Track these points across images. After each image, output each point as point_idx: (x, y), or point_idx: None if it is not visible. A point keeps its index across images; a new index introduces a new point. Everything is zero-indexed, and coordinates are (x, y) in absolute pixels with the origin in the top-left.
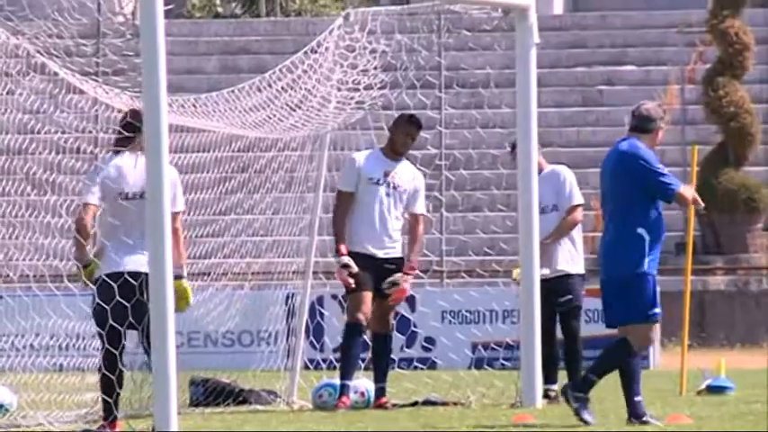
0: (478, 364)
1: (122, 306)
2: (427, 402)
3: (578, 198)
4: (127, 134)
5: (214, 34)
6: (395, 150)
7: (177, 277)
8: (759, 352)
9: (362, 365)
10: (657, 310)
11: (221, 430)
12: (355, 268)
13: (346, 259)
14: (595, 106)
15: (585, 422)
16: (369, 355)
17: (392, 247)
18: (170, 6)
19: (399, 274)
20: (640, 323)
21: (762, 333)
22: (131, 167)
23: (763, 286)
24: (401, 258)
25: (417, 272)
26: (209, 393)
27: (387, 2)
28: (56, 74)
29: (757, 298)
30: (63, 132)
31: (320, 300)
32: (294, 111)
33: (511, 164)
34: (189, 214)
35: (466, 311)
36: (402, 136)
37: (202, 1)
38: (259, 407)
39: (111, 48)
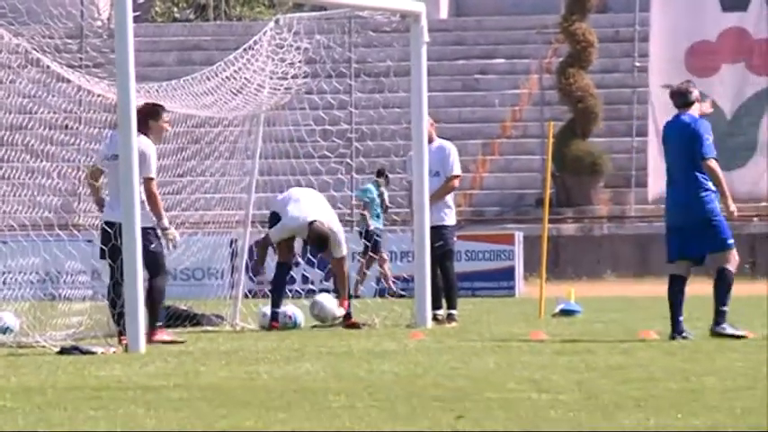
0: (381, 293)
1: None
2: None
3: (457, 169)
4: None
5: (172, 35)
6: None
7: (164, 229)
8: (601, 283)
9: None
10: (732, 239)
11: (180, 347)
12: None
13: None
14: (473, 91)
15: (738, 336)
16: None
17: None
18: (137, 13)
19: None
20: (728, 249)
21: (603, 268)
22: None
23: (604, 231)
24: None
25: None
26: (169, 317)
27: (308, 8)
28: (48, 67)
29: (599, 241)
30: (54, 113)
31: (257, 244)
32: (236, 95)
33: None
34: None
35: (372, 253)
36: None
37: (163, 8)
38: (209, 328)
39: (91, 46)
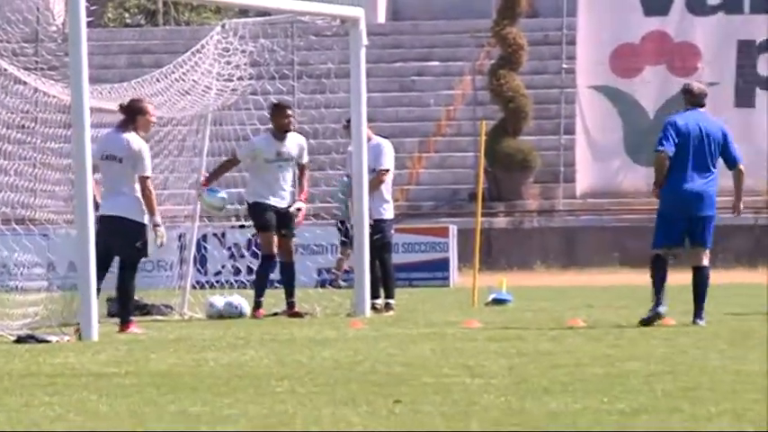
0: (322, 284)
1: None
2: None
3: (387, 164)
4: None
5: (124, 39)
6: (279, 130)
7: (156, 225)
8: (531, 274)
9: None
10: None
11: (130, 336)
12: None
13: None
14: (409, 92)
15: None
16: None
17: (285, 198)
18: (91, 19)
19: (299, 201)
20: (709, 248)
21: (533, 260)
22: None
23: (534, 224)
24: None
25: (306, 198)
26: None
27: (253, 13)
28: (5, 69)
29: (529, 233)
30: (11, 113)
31: (204, 237)
32: (184, 96)
33: (345, 135)
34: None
35: (313, 245)
36: (280, 118)
37: (115, 14)
38: (159, 317)
39: (47, 50)
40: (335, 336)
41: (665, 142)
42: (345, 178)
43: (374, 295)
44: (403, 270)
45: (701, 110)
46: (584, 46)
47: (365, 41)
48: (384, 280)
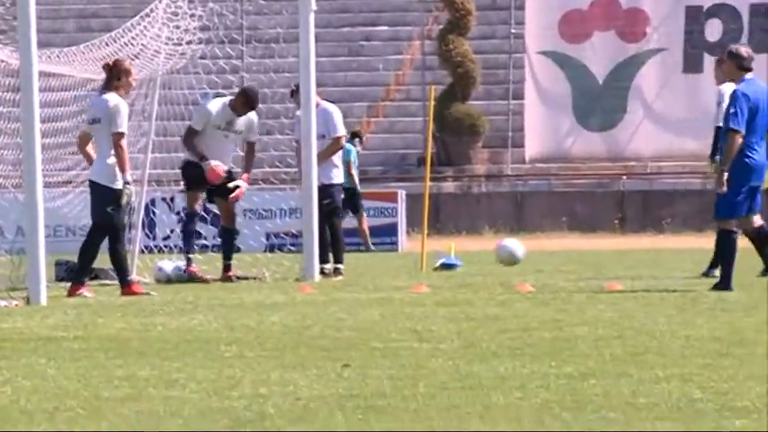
0: (271, 248)
1: None
2: (237, 277)
3: (342, 130)
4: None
5: (72, 3)
6: (236, 111)
7: (125, 183)
8: (479, 238)
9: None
10: None
11: (78, 300)
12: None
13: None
14: (358, 56)
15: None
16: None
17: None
18: None
19: (241, 180)
20: None
21: (481, 224)
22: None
23: (482, 189)
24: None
25: (248, 179)
26: (69, 271)
27: None
28: None
29: (477, 198)
30: None
31: (153, 201)
32: (134, 60)
33: (293, 101)
34: (55, 137)
35: (262, 209)
36: (242, 108)
37: None
38: (107, 282)
39: None
40: (284, 300)
41: (740, 120)
42: (348, 145)
43: (323, 260)
44: (352, 235)
45: (752, 77)
46: (532, 11)
47: (314, 6)
48: (333, 244)
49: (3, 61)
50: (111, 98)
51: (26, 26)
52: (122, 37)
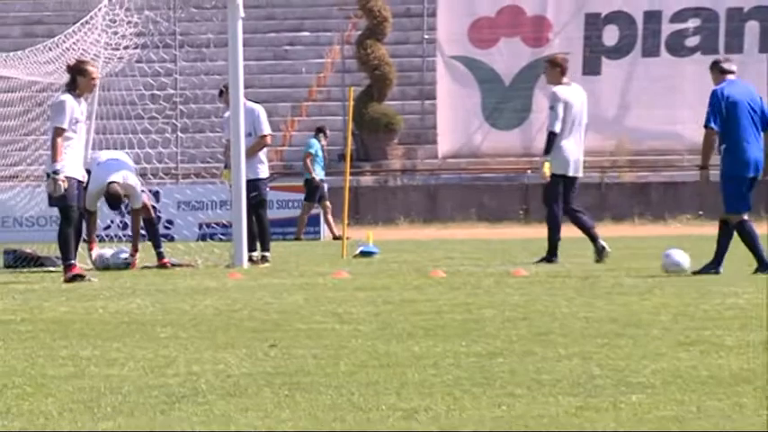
0: (203, 237)
1: None
2: (172, 264)
3: (267, 129)
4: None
5: (18, 11)
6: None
7: (55, 172)
8: (395, 228)
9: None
10: None
11: (26, 286)
12: None
13: None
14: (283, 60)
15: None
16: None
17: None
18: None
19: None
20: None
21: (397, 215)
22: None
23: (398, 183)
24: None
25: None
26: (17, 259)
27: None
28: None
29: (393, 191)
30: None
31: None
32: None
33: (221, 100)
34: (2, 135)
35: (195, 201)
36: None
37: None
38: (51, 269)
39: None
40: (216, 286)
41: (712, 118)
42: (312, 140)
43: (251, 248)
44: (278, 225)
45: (735, 79)
46: (444, 18)
47: (242, 13)
48: (260, 234)
49: None
50: (59, 95)
51: None
52: (64, 42)
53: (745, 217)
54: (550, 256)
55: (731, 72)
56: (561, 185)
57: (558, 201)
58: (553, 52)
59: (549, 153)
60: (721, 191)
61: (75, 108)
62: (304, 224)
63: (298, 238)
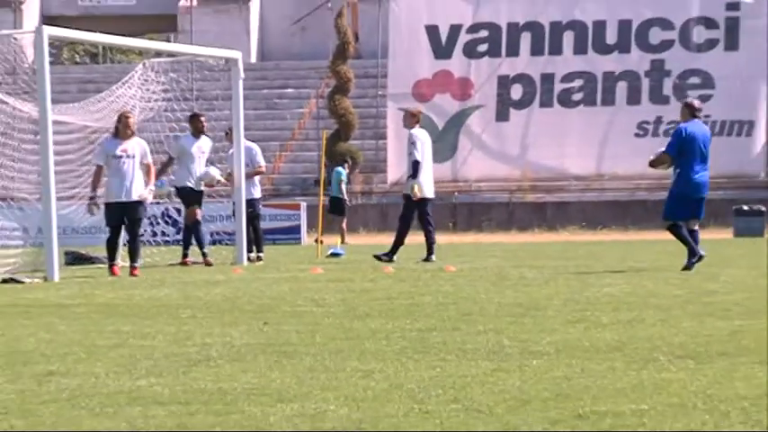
0: (214, 243)
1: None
2: (192, 263)
3: (262, 162)
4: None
5: (75, 73)
6: (198, 131)
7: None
8: (357, 236)
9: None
10: None
11: (84, 279)
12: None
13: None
14: (272, 110)
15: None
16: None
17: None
18: (52, 59)
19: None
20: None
21: (358, 226)
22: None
23: (359, 202)
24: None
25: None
26: (75, 258)
27: (165, 55)
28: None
29: (355, 208)
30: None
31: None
32: (117, 112)
33: (226, 140)
34: (63, 166)
35: (207, 216)
36: (196, 123)
37: (68, 55)
38: (100, 266)
39: (22, 80)
40: (223, 278)
41: (672, 149)
42: (339, 168)
43: (249, 250)
44: (269, 233)
45: (698, 120)
46: (393, 79)
47: (242, 75)
48: (255, 239)
49: (27, 113)
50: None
51: (43, 89)
52: (109, 96)
53: (681, 224)
54: (392, 254)
55: (698, 115)
56: (417, 204)
57: (413, 215)
58: (474, 105)
59: (416, 177)
60: (666, 202)
61: (114, 147)
62: (345, 231)
63: (343, 243)
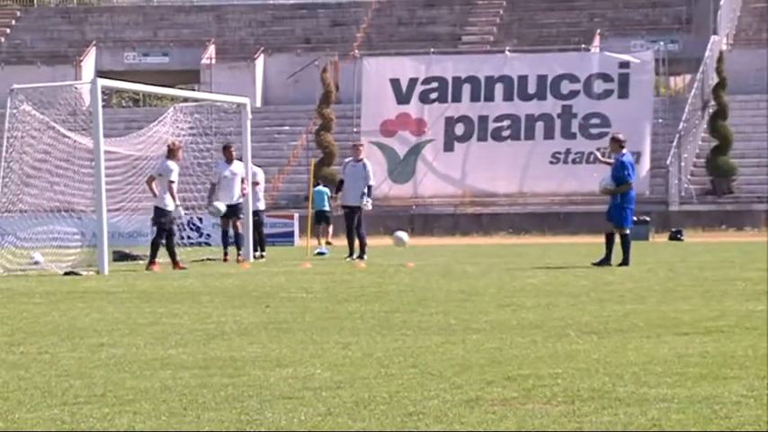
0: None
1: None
2: (210, 259)
3: (261, 179)
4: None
5: (122, 114)
6: (228, 159)
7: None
8: (339, 239)
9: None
10: None
11: (128, 273)
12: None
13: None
14: (273, 142)
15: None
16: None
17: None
18: (104, 103)
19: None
20: None
21: (340, 230)
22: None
23: (340, 213)
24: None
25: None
26: (121, 257)
27: (191, 101)
28: (59, 129)
29: (339, 218)
30: (62, 152)
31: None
32: (154, 144)
33: (224, 155)
34: (112, 185)
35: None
36: (228, 153)
37: (117, 99)
38: (141, 262)
39: (81, 119)
40: (235, 271)
41: (632, 176)
42: (322, 187)
43: (254, 249)
44: (270, 237)
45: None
46: (366, 119)
47: (250, 115)
48: (260, 241)
49: (85, 145)
50: (169, 163)
51: (97, 126)
52: (148, 132)
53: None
54: (353, 254)
55: (624, 146)
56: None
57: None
58: (427, 139)
59: (370, 196)
60: (622, 213)
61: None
62: (330, 236)
63: (328, 244)
